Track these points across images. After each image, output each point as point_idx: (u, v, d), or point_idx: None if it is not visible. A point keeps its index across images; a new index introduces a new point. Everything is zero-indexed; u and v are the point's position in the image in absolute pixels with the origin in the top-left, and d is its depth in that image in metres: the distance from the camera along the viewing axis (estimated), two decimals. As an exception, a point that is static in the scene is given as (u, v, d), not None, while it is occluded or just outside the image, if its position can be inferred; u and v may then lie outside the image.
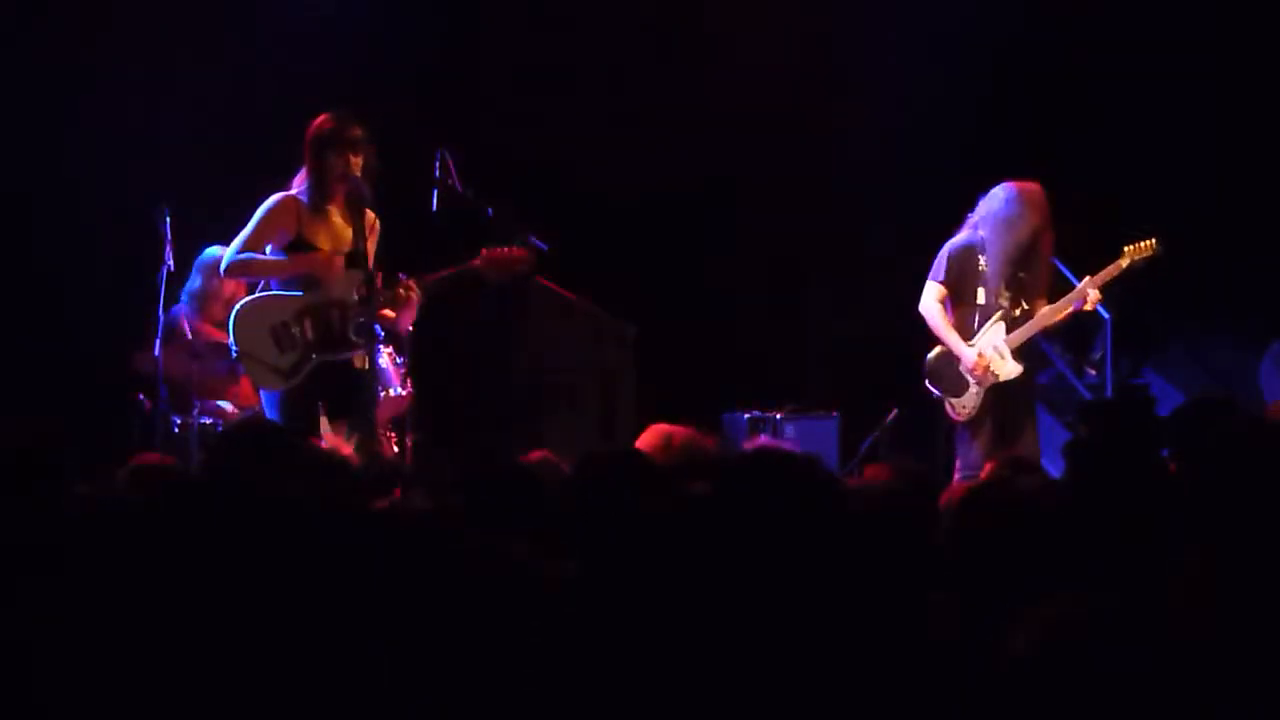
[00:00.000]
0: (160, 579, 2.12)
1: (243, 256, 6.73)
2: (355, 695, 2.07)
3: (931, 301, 7.76)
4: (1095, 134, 10.37)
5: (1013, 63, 10.32)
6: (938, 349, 7.80)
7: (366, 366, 6.70)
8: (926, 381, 7.83)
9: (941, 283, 7.73)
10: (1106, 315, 9.32)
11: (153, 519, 2.52)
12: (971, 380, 7.68)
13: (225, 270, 6.91)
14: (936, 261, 7.76)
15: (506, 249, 6.88)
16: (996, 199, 7.67)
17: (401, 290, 6.70)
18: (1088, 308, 7.75)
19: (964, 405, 7.72)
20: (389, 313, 6.79)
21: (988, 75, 10.24)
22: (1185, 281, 9.90)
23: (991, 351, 7.68)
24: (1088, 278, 7.76)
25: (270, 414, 6.78)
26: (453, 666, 2.73)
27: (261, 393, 6.92)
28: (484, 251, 6.86)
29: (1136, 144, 10.24)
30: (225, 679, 2.03)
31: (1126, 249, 7.73)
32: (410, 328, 6.89)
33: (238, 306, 6.87)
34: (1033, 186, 7.66)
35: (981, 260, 7.69)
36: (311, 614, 2.12)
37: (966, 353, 7.68)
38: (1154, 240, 7.69)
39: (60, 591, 2.58)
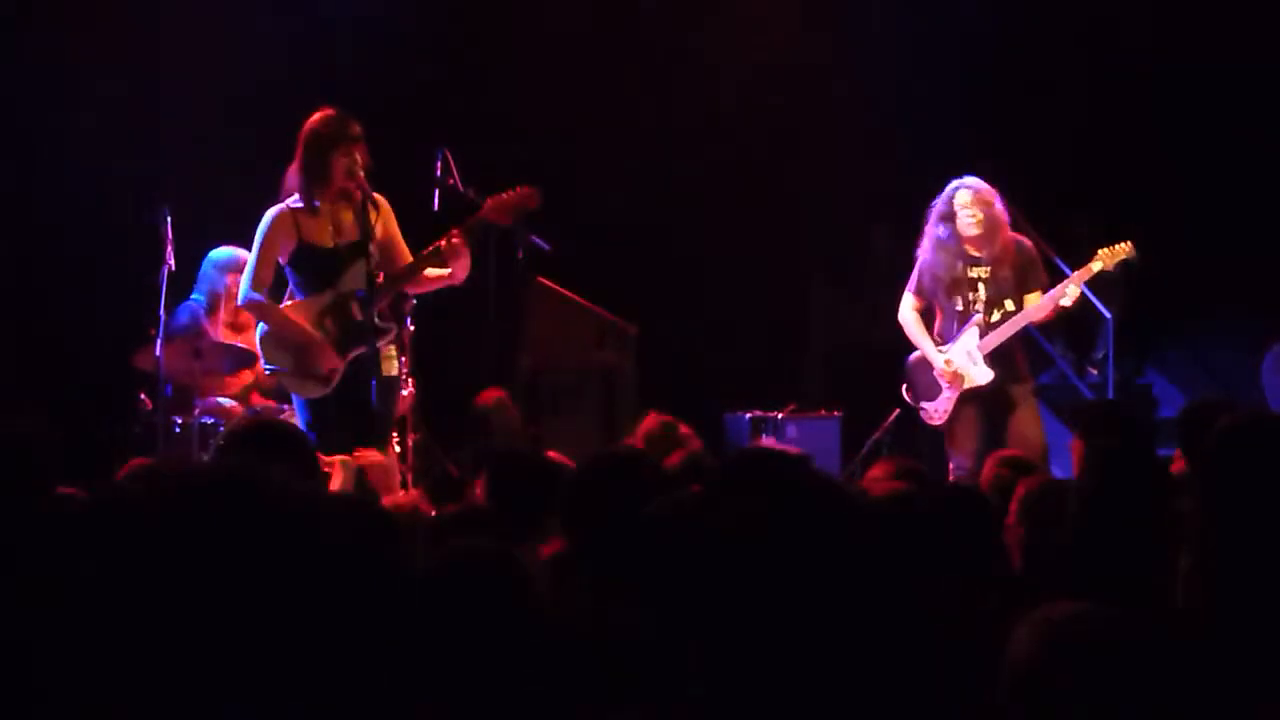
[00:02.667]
0: (158, 579, 2.12)
1: (254, 300, 6.75)
2: (354, 699, 2.07)
3: (907, 311, 7.89)
4: (1096, 134, 10.37)
5: (1014, 63, 10.31)
6: (916, 354, 7.89)
7: (394, 372, 6.73)
8: (903, 387, 7.93)
9: (915, 293, 7.84)
10: (1109, 315, 9.31)
11: (150, 519, 2.52)
12: (944, 385, 7.75)
13: (242, 306, 7.00)
14: (912, 274, 7.84)
15: (509, 191, 6.87)
16: (955, 204, 7.71)
17: (444, 243, 6.69)
18: (1066, 303, 7.71)
19: (936, 409, 7.80)
20: (442, 271, 6.77)
21: (989, 76, 10.23)
22: (1186, 281, 9.90)
23: (964, 358, 7.72)
24: (1073, 274, 7.78)
25: (301, 418, 6.77)
26: (453, 671, 2.73)
27: (294, 399, 6.91)
28: (488, 201, 6.87)
29: (1137, 144, 10.24)
30: (223, 681, 2.03)
31: (1100, 252, 7.76)
32: (464, 276, 6.83)
33: (261, 325, 6.87)
34: (978, 185, 7.67)
35: (958, 266, 7.71)
36: (311, 615, 2.12)
37: (935, 359, 7.76)
38: (1129, 243, 7.73)
39: (48, 592, 2.58)
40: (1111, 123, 10.35)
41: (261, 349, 6.87)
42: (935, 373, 7.79)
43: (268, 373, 6.97)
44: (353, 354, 6.72)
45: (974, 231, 7.62)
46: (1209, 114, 10.16)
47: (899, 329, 7.99)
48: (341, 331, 6.74)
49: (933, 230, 7.73)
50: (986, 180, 7.79)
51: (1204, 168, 10.17)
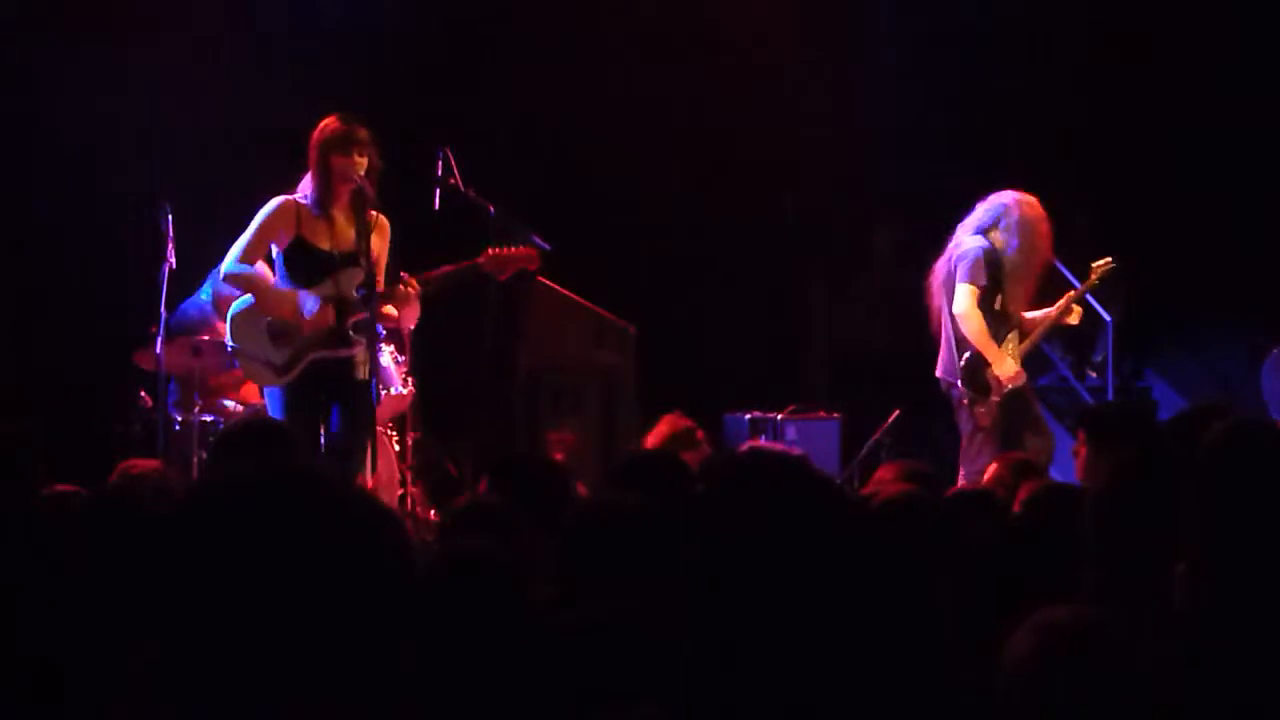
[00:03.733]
0: (151, 575, 2.12)
1: (240, 270, 6.74)
2: (351, 699, 2.06)
3: (973, 305, 7.67)
4: (1097, 133, 10.36)
5: (1016, 61, 10.31)
6: (971, 351, 7.78)
7: (367, 376, 6.68)
8: (961, 383, 7.77)
9: (982, 287, 7.69)
10: (1108, 317, 9.31)
11: (146, 516, 2.52)
12: (996, 387, 7.70)
13: (223, 278, 6.95)
14: (968, 265, 7.67)
15: (511, 248, 6.89)
16: (1012, 214, 7.65)
17: (401, 287, 6.70)
18: (1073, 321, 7.90)
19: (987, 411, 7.75)
20: (392, 310, 6.79)
21: (992, 74, 10.23)
22: (1186, 283, 9.90)
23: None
24: (1070, 293, 7.87)
25: (273, 413, 6.77)
26: (451, 672, 2.72)
27: (264, 391, 6.92)
28: (489, 251, 6.87)
29: (1137, 143, 10.24)
30: (217, 679, 2.02)
31: (1094, 265, 7.89)
32: (413, 324, 6.86)
33: (235, 304, 6.88)
34: (1035, 201, 7.72)
35: (997, 269, 7.70)
36: (309, 613, 2.11)
37: (1006, 361, 7.69)
38: (1110, 260, 7.87)
39: (40, 590, 2.57)
40: (1111, 121, 10.35)
41: (230, 327, 6.84)
42: (1000, 374, 7.71)
43: (230, 350, 6.92)
44: (319, 355, 6.71)
45: (1030, 246, 7.63)
46: (1209, 113, 10.15)
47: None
48: (313, 331, 6.73)
49: (998, 232, 7.69)
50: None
51: (1204, 168, 10.16)
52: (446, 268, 6.82)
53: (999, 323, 7.74)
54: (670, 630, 2.74)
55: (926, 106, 10.06)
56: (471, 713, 2.85)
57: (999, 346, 7.73)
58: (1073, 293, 7.90)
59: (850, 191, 10.29)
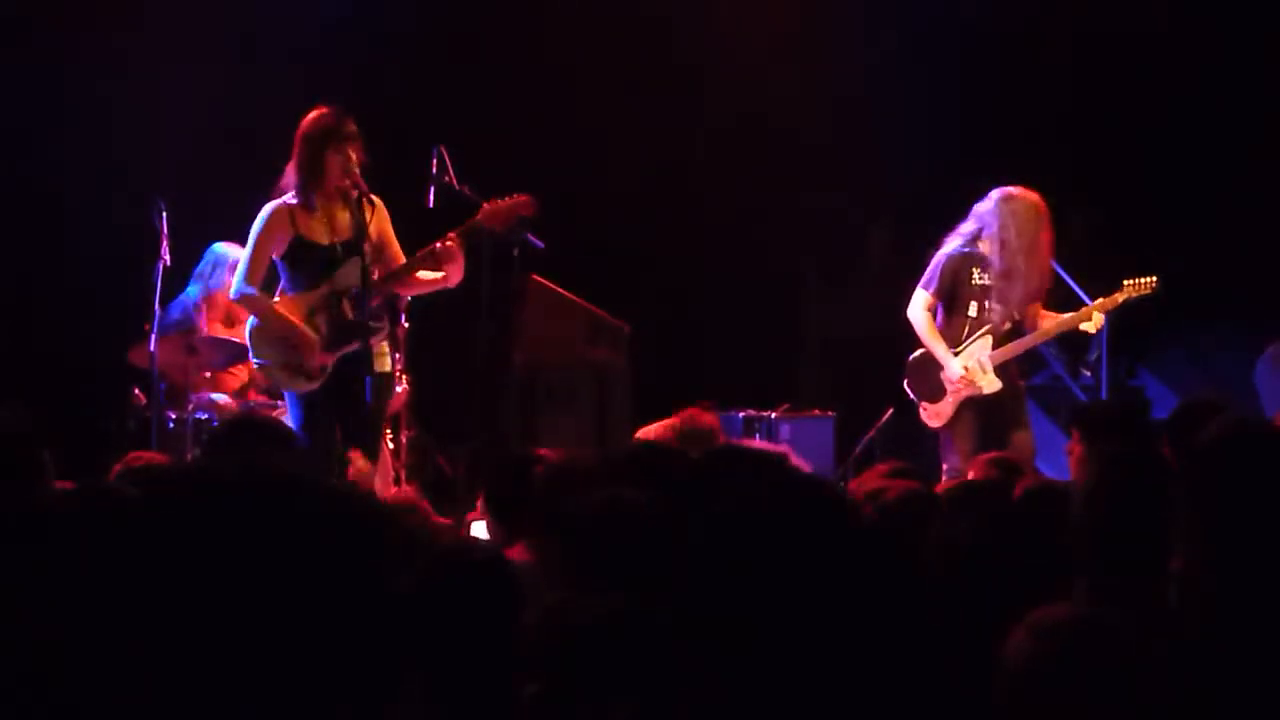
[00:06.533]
0: (149, 573, 2.11)
1: (246, 293, 6.76)
2: (351, 693, 2.06)
3: (920, 309, 7.75)
4: (1097, 133, 10.37)
5: (1014, 62, 10.31)
6: (920, 352, 7.81)
7: (388, 368, 6.72)
8: (905, 383, 7.86)
9: (932, 293, 7.72)
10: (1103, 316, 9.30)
11: (145, 513, 2.51)
12: (949, 389, 7.69)
13: (234, 300, 6.97)
14: (929, 270, 7.73)
15: (505, 199, 6.88)
16: (997, 212, 7.58)
17: (442, 244, 6.69)
18: (1091, 329, 7.76)
19: (938, 412, 7.75)
20: (433, 275, 6.78)
21: (991, 75, 10.23)
22: (1180, 281, 9.89)
23: (974, 364, 7.69)
24: (1097, 301, 7.77)
25: (293, 415, 6.76)
26: (449, 662, 2.72)
27: (286, 396, 6.90)
28: (484, 205, 6.87)
29: (1138, 142, 10.24)
30: (216, 677, 2.02)
31: (1126, 284, 7.77)
32: (459, 280, 6.84)
33: (250, 321, 6.88)
34: (1030, 195, 7.60)
35: (976, 272, 7.65)
36: (305, 608, 2.11)
37: (952, 364, 7.68)
38: (1155, 279, 7.73)
39: (41, 585, 2.57)
40: (1109, 121, 10.35)
41: (250, 343, 6.87)
42: (945, 377, 7.71)
43: (255, 366, 6.97)
44: (342, 351, 6.71)
45: (1015, 243, 7.55)
46: (1208, 111, 10.16)
47: (895, 328, 7.95)
48: (331, 329, 6.73)
49: (984, 233, 7.62)
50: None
51: (1201, 168, 10.16)
52: (461, 228, 6.81)
53: (970, 327, 7.69)
54: (663, 628, 2.73)
55: (925, 107, 10.06)
56: (468, 712, 2.85)
57: (961, 348, 7.70)
58: (1102, 301, 7.75)
59: (846, 191, 10.29)
